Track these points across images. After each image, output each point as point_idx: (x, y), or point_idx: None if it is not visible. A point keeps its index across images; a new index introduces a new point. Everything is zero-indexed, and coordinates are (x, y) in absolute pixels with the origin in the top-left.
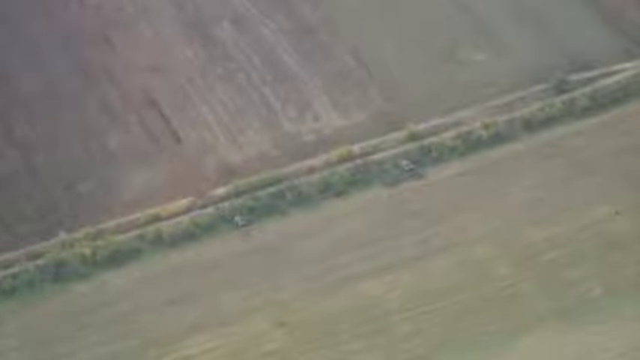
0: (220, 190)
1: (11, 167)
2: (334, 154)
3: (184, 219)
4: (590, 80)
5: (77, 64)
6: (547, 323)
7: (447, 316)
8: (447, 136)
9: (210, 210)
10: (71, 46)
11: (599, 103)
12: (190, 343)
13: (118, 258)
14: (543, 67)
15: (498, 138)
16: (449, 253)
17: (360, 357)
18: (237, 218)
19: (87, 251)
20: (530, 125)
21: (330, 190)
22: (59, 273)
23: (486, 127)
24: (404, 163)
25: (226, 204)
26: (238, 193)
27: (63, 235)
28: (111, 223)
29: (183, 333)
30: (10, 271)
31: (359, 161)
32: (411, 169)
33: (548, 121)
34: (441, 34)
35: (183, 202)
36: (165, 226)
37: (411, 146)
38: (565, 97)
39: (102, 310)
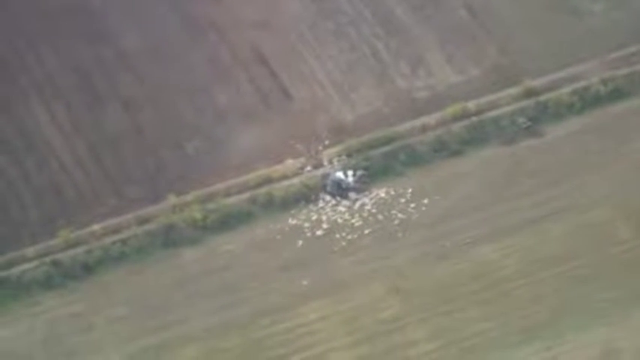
0: (333, 150)
1: (117, 127)
2: (448, 111)
3: (296, 181)
4: None
5: (182, 19)
6: None
7: (566, 282)
8: (564, 91)
9: (322, 171)
10: (176, 0)
11: None
12: (304, 310)
13: (228, 222)
14: None
15: (618, 93)
16: (567, 216)
17: (477, 324)
18: None
19: (197, 215)
20: None
21: (444, 149)
22: (169, 238)
23: (605, 82)
24: (521, 120)
25: (340, 163)
26: (350, 153)
27: (173, 199)
28: (221, 186)
29: (296, 300)
30: (119, 236)
31: (474, 119)
32: (528, 127)
33: None
34: None
35: (295, 163)
36: (276, 189)
37: (527, 103)
38: None
39: (212, 276)
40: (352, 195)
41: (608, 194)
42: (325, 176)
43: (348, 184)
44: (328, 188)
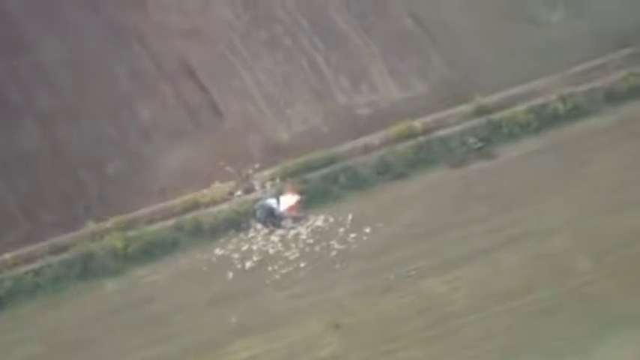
0: (266, 172)
1: (31, 145)
2: (393, 130)
3: (225, 206)
4: None
5: (104, 27)
6: (631, 328)
7: (520, 318)
8: (519, 109)
9: (253, 196)
10: (98, 6)
11: None
12: (235, 348)
13: (152, 251)
14: (628, 28)
15: (577, 111)
16: (522, 245)
17: None
18: None
19: (118, 243)
20: (614, 97)
21: (388, 171)
22: (87, 268)
23: (563, 99)
24: (471, 140)
25: (274, 188)
26: (286, 175)
27: (91, 225)
28: (144, 211)
29: (226, 337)
30: (32, 266)
31: (421, 139)
32: (480, 148)
33: (634, 92)
34: None
35: (224, 187)
36: (204, 215)
37: (478, 121)
38: None
39: (135, 310)
40: (285, 224)
41: (566, 221)
42: (256, 202)
43: (282, 211)
44: (259, 216)
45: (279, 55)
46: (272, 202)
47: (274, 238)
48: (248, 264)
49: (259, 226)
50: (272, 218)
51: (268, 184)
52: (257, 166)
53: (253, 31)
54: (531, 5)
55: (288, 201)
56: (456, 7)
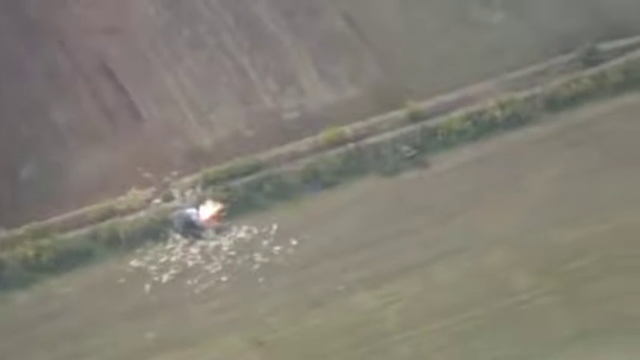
0: (187, 179)
1: None
2: (322, 136)
3: (143, 215)
4: (625, 50)
5: (17, 23)
6: (572, 347)
7: (453, 337)
8: (455, 116)
9: (176, 203)
10: (10, 1)
11: (634, 78)
12: None
13: (65, 261)
14: (570, 32)
15: (516, 119)
16: (457, 260)
17: None
18: None
19: (29, 252)
20: (554, 104)
21: (316, 180)
22: None
23: (502, 105)
24: (404, 148)
25: (194, 196)
26: (208, 183)
27: (2, 233)
28: (57, 219)
29: (143, 353)
30: None
31: (351, 145)
32: (413, 156)
33: (575, 100)
34: None
35: (143, 194)
36: (121, 224)
37: (412, 128)
38: (594, 70)
39: (47, 323)
40: (206, 234)
41: (503, 236)
42: (174, 211)
43: (202, 221)
44: (176, 226)
45: (202, 56)
46: (191, 211)
47: (194, 249)
48: (166, 277)
49: (178, 236)
50: (191, 229)
51: (188, 192)
52: (177, 172)
53: (175, 30)
54: (470, 7)
55: (209, 210)
56: (391, 8)
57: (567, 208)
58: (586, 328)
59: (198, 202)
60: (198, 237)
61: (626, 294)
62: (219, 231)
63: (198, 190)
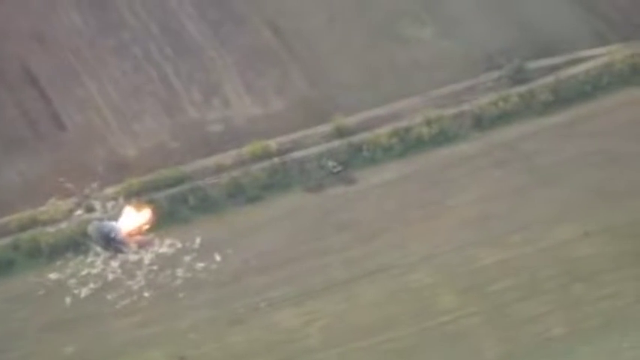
0: (109, 190)
1: None
2: (247, 149)
3: (65, 226)
4: (554, 69)
5: None
6: None
7: (377, 357)
8: (382, 132)
9: (97, 214)
10: None
11: (563, 98)
12: None
13: None
14: (498, 49)
15: (443, 136)
16: (382, 278)
17: None
18: None
19: None
20: (481, 122)
21: (241, 194)
22: None
23: (429, 122)
24: (330, 163)
25: (116, 207)
26: (130, 194)
27: None
28: None
29: None
30: None
31: (276, 160)
32: (339, 172)
33: (503, 118)
34: (377, 3)
35: (65, 205)
36: (42, 234)
37: (338, 143)
38: (523, 88)
39: None
40: (127, 249)
41: (429, 255)
42: (91, 224)
43: (123, 234)
44: (95, 239)
45: (127, 64)
46: (111, 225)
47: (115, 263)
48: (86, 290)
49: (99, 249)
50: (111, 242)
51: (110, 204)
52: (99, 183)
53: (101, 38)
54: (399, 22)
55: (131, 223)
56: (319, 20)
57: (493, 228)
58: (511, 350)
59: (120, 215)
60: (119, 250)
61: (551, 315)
62: (141, 245)
63: (121, 201)
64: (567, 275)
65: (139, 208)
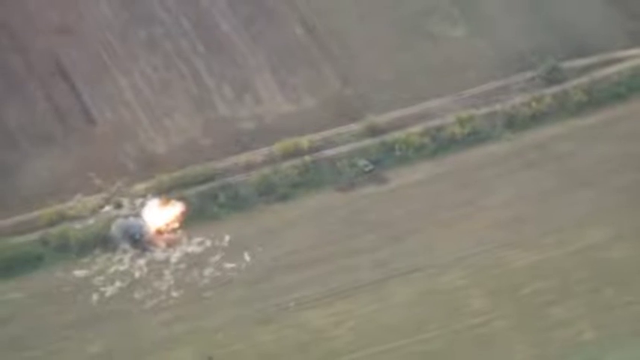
0: (139, 187)
1: None
2: (278, 147)
3: (93, 222)
4: (588, 69)
5: None
6: None
7: (407, 358)
8: (414, 131)
9: (124, 212)
10: None
11: (596, 98)
12: None
13: (14, 266)
14: (532, 49)
15: (475, 137)
16: (412, 280)
17: None
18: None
19: None
20: (514, 122)
21: (271, 192)
22: None
23: (461, 122)
24: (361, 162)
25: (145, 204)
26: (160, 191)
27: None
28: (7, 222)
29: None
30: None
31: (307, 158)
32: (370, 171)
33: (535, 119)
34: (409, 1)
35: (94, 200)
36: (71, 230)
37: (370, 142)
38: (556, 89)
39: None
40: (155, 246)
41: (461, 256)
42: (118, 221)
43: (151, 232)
44: (119, 238)
45: (158, 59)
46: (137, 223)
47: (142, 261)
48: (113, 288)
49: (127, 246)
50: (137, 242)
51: (139, 201)
52: (129, 179)
53: (131, 32)
54: (432, 20)
55: (159, 220)
56: (352, 18)
57: (525, 230)
58: (542, 354)
59: (148, 213)
60: (146, 250)
61: (582, 319)
62: (169, 243)
63: (151, 198)
64: (598, 279)
65: (168, 205)
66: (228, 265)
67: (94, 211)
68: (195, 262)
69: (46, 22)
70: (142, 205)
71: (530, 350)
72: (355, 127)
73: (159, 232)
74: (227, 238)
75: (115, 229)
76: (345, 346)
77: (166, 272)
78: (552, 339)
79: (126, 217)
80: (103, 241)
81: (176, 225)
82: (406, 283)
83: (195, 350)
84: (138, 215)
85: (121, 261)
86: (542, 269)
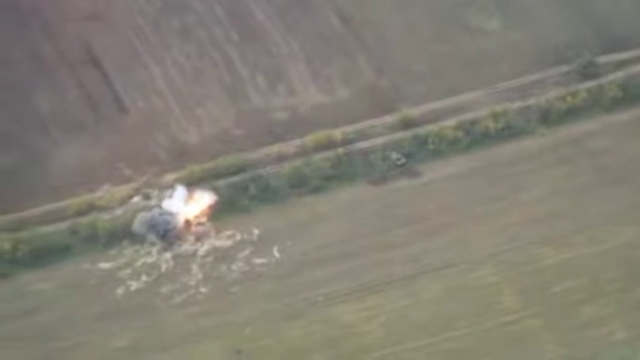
0: (169, 177)
1: None
2: (310, 138)
3: (122, 213)
4: (624, 64)
5: (2, 6)
6: None
7: (437, 356)
8: (448, 124)
9: (155, 201)
10: None
11: (632, 94)
12: None
13: (42, 256)
14: (568, 43)
15: (509, 131)
16: (444, 275)
17: None
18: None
19: (6, 245)
20: (548, 117)
21: (303, 184)
22: None
23: (495, 116)
24: (394, 155)
25: (174, 195)
26: (192, 181)
27: None
28: (36, 211)
29: (115, 357)
30: None
31: (340, 150)
32: (403, 164)
33: (570, 114)
34: None
35: (124, 190)
36: (100, 220)
37: (403, 135)
38: (592, 83)
39: (21, 319)
40: (184, 237)
41: (493, 252)
42: (140, 216)
43: (181, 223)
44: (144, 231)
45: (191, 48)
46: (163, 217)
47: (170, 254)
48: (139, 282)
49: (154, 238)
50: (163, 236)
51: (168, 192)
52: (159, 169)
53: (164, 19)
54: (468, 12)
55: (189, 212)
56: (387, 8)
57: (557, 227)
58: (573, 353)
59: (180, 202)
60: (173, 243)
61: (614, 319)
62: (198, 236)
63: (181, 188)
64: (630, 278)
65: (198, 196)
66: (258, 259)
67: (123, 202)
68: (224, 256)
69: (76, 9)
70: (171, 196)
71: (561, 350)
72: (388, 119)
73: (187, 224)
74: (256, 231)
75: (138, 223)
76: (376, 342)
77: (194, 266)
78: (583, 338)
79: (150, 210)
80: (131, 233)
81: (205, 217)
82: (438, 279)
83: (223, 344)
84: (163, 208)
85: (148, 254)
86: (574, 267)
